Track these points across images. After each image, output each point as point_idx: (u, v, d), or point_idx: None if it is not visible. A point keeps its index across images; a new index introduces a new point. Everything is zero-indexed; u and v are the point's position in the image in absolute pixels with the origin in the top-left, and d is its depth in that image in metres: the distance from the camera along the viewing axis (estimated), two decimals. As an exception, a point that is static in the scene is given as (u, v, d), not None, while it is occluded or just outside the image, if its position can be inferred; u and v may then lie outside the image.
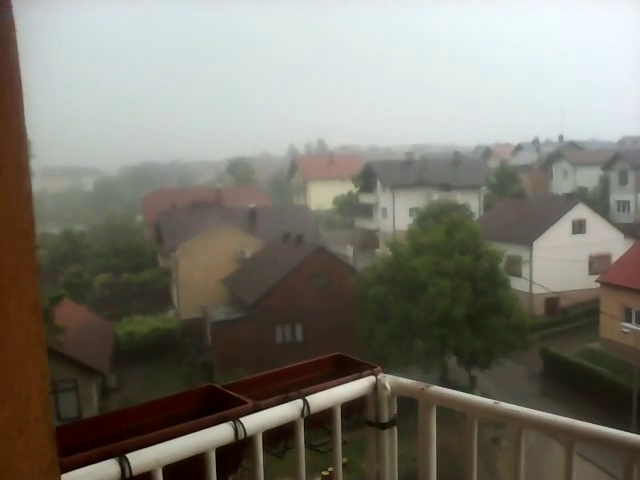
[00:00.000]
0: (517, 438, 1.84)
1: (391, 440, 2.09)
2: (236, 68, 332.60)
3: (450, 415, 2.01)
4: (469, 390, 28.86)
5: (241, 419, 1.71)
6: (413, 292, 28.98)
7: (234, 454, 1.77)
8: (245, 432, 1.70)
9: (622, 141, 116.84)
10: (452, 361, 31.17)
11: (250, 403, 1.81)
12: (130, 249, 50.27)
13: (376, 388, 2.06)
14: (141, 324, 38.79)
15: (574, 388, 30.30)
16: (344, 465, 2.06)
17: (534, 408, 1.80)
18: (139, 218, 76.38)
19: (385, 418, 2.07)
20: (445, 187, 63.42)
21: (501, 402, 1.88)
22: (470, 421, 1.94)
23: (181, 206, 54.30)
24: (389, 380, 2.08)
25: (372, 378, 2.08)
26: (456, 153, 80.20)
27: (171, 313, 43.40)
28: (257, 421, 1.75)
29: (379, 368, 2.13)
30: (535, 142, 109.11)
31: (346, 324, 32.03)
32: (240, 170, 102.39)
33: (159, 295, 46.75)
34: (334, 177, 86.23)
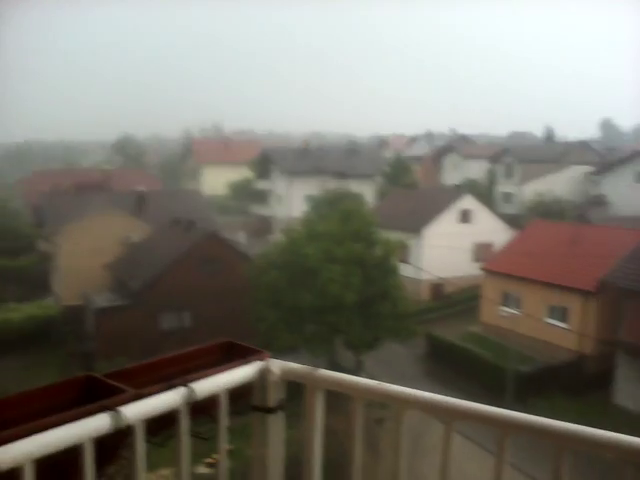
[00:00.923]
0: (399, 418, 1.92)
1: (278, 425, 2.11)
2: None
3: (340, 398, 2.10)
4: (356, 373, 29.85)
5: (120, 408, 1.68)
6: (306, 278, 29.47)
7: (113, 445, 1.74)
8: (124, 421, 1.67)
9: (511, 136, 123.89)
10: (341, 346, 32.09)
11: (130, 392, 1.79)
12: (6, 233, 47.52)
13: (263, 373, 2.07)
14: (17, 311, 36.92)
15: (456, 369, 32.17)
16: (230, 452, 2.09)
17: (417, 388, 1.90)
18: (19, 201, 72.22)
19: (272, 403, 2.08)
20: (341, 175, 64.68)
21: (385, 383, 1.94)
22: (356, 403, 1.98)
23: (65, 188, 51.97)
24: (277, 365, 2.09)
25: (259, 363, 2.09)
26: (352, 142, 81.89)
27: (50, 300, 41.55)
28: (137, 410, 1.72)
29: (267, 353, 2.15)
30: (428, 135, 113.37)
31: (238, 311, 32.11)
32: (130, 151, 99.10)
33: (38, 281, 44.60)
34: (230, 162, 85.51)
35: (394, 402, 1.90)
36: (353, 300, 28.47)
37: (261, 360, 2.11)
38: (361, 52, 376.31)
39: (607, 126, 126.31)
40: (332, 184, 60.45)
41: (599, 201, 59.75)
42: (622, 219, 48.81)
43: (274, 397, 2.08)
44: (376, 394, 1.94)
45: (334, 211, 34.73)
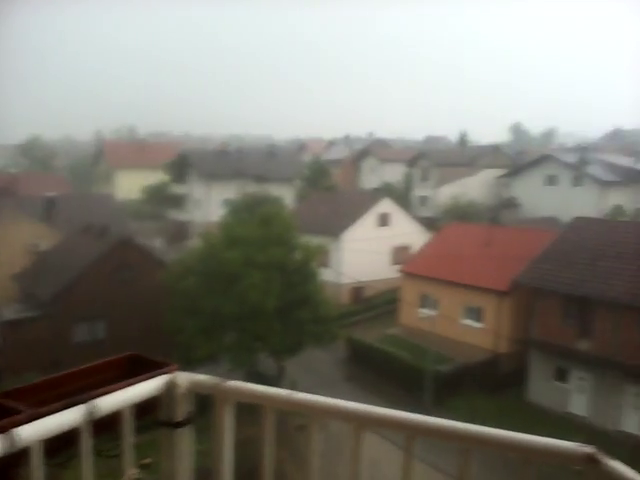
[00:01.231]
0: (311, 426, 1.92)
1: (186, 439, 2.07)
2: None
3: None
4: (278, 379, 29.78)
5: (15, 430, 1.62)
6: (225, 285, 29.09)
7: (8, 469, 1.67)
8: (19, 444, 1.60)
9: (426, 140, 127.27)
10: (263, 353, 31.90)
11: (26, 411, 1.72)
12: None
13: (170, 387, 2.03)
14: None
15: (376, 372, 32.68)
16: (147, 465, 2.05)
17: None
18: None
19: (179, 417, 2.04)
20: (260, 179, 64.40)
21: (296, 392, 1.95)
22: (267, 413, 1.97)
23: (-36, 193, 49.06)
24: (184, 377, 2.05)
25: (166, 377, 2.05)
26: (271, 145, 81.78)
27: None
28: (33, 431, 1.66)
29: (174, 366, 2.12)
30: (347, 138, 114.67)
31: (154, 319, 31.28)
32: (37, 153, 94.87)
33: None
34: (145, 165, 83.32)
35: (306, 411, 1.90)
36: (274, 306, 28.34)
37: (168, 373, 2.07)
38: (281, 53, 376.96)
39: (517, 130, 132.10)
40: (251, 187, 60.14)
41: (511, 203, 62.40)
42: (532, 220, 51.15)
43: (182, 411, 2.04)
44: (287, 403, 1.93)
45: (254, 215, 34.50)
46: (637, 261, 27.51)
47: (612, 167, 62.49)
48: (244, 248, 29.37)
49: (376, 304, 43.43)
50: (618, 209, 54.98)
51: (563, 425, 26.52)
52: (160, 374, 2.06)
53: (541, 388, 29.71)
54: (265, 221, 31.41)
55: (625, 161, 66.42)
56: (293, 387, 29.32)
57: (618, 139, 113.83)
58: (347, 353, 35.81)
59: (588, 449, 1.48)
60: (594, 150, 74.75)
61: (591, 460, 1.46)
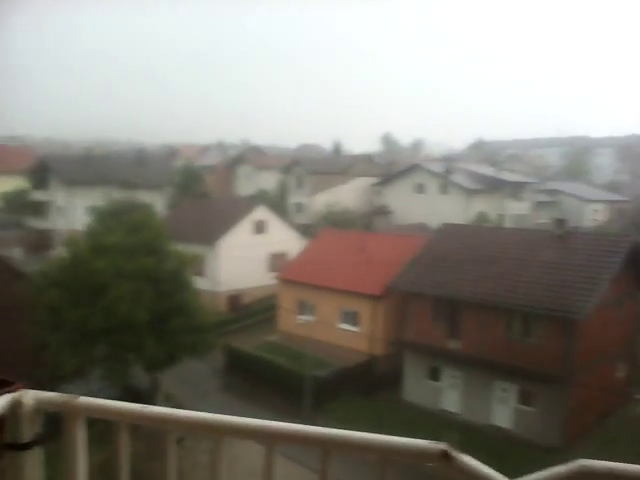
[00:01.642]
0: (165, 440, 1.89)
1: (34, 461, 1.96)
2: None
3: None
4: (152, 393, 28.83)
5: None
6: (93, 296, 27.71)
7: None
8: None
9: (300, 148, 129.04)
10: (136, 366, 30.75)
11: None
12: None
13: (14, 406, 1.92)
14: None
15: (255, 380, 32.54)
16: None
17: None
18: None
19: (25, 438, 1.93)
20: (128, 185, 62.22)
21: (150, 406, 1.90)
22: (120, 429, 1.93)
23: None
24: (30, 396, 1.95)
25: (9, 396, 1.94)
26: (141, 151, 79.34)
27: None
28: None
29: (20, 384, 2.00)
30: (220, 144, 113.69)
31: (13, 335, 29.16)
32: None
33: None
34: (1, 171, 77.82)
35: (160, 425, 1.87)
36: (145, 318, 27.39)
37: (12, 392, 1.94)
38: (150, 54, 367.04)
39: (387, 140, 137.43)
40: (119, 194, 57.93)
41: (383, 210, 64.75)
42: (404, 227, 53.33)
43: (28, 431, 1.93)
44: (140, 418, 1.88)
45: (122, 223, 33.20)
46: (500, 264, 29.47)
47: (476, 176, 66.69)
48: (112, 257, 28.17)
49: (254, 311, 43.34)
50: (482, 215, 58.72)
51: (437, 422, 27.81)
52: (3, 393, 1.93)
53: (416, 387, 30.98)
54: (134, 229, 30.33)
55: (487, 170, 71.12)
56: (168, 400, 28.50)
57: (480, 150, 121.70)
58: (225, 362, 35.38)
59: (441, 446, 1.53)
60: (459, 160, 79.45)
61: (444, 456, 1.51)
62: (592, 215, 71.58)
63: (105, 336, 27.60)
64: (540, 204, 71.12)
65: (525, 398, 27.66)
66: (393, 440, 1.60)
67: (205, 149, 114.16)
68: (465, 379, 29.61)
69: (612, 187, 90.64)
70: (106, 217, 44.21)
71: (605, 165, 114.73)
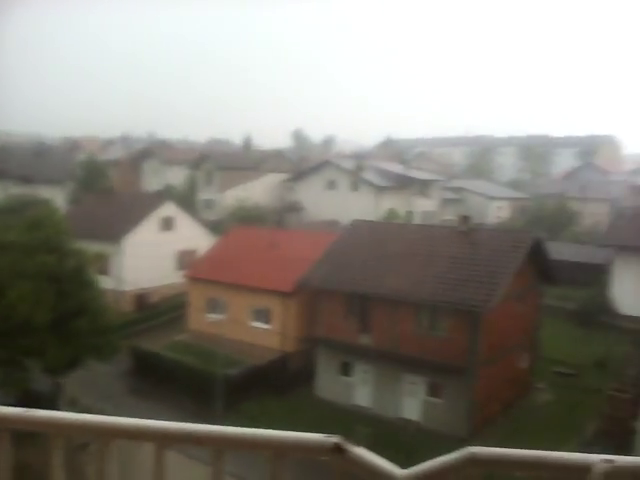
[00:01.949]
0: (50, 444, 1.83)
1: None
2: None
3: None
4: (54, 398, 27.74)
5: None
6: (-14, 297, 26.33)
7: None
8: None
9: (210, 143, 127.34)
10: (37, 370, 29.47)
11: None
12: None
13: None
14: None
15: (164, 381, 31.92)
16: None
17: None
18: None
19: None
20: (25, 180, 59.34)
21: (33, 410, 1.84)
22: (1, 435, 1.85)
23: None
24: None
25: None
26: (40, 144, 75.92)
27: None
28: None
29: None
30: (125, 138, 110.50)
31: None
32: None
33: None
34: None
35: (42, 429, 1.82)
36: (46, 319, 26.29)
37: None
38: (49, 46, 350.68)
39: (298, 136, 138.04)
40: (16, 189, 55.17)
41: (295, 207, 65.08)
42: (315, 223, 53.84)
43: None
44: (21, 422, 1.82)
45: (20, 219, 31.68)
46: (408, 259, 30.35)
47: (385, 173, 68.25)
48: (10, 256, 26.88)
49: (163, 310, 42.47)
50: (392, 212, 60.19)
51: (348, 417, 28.32)
52: None
53: (328, 384, 31.41)
54: (34, 225, 28.99)
55: (397, 168, 72.93)
56: (73, 405, 27.53)
57: (389, 148, 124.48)
58: (132, 364, 34.50)
59: (334, 439, 1.56)
60: (369, 157, 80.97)
61: (337, 450, 1.54)
62: (496, 212, 74.88)
63: (2, 339, 26.29)
64: (447, 201, 73.69)
65: (433, 390, 28.66)
66: (286, 435, 1.62)
67: (109, 143, 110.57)
68: (376, 374, 30.32)
69: (514, 185, 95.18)
70: (2, 213, 42.06)
71: (508, 164, 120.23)
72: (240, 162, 72.55)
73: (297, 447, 1.62)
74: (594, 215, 68.08)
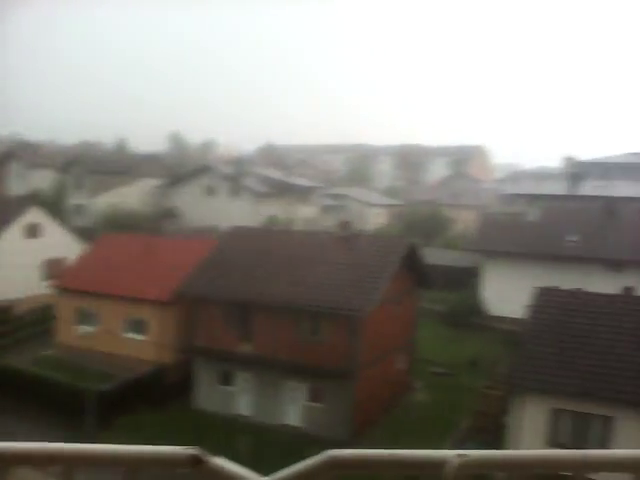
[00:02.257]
0: None
1: None
2: None
3: None
4: None
5: None
6: None
7: None
8: None
9: (80, 145, 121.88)
10: None
11: None
12: None
13: None
14: None
15: (30, 400, 29.98)
16: None
17: None
18: None
19: None
20: None
21: None
22: None
23: None
24: None
25: None
26: None
27: None
28: None
29: None
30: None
31: None
32: None
33: None
34: None
35: None
36: None
37: None
38: None
39: (176, 140, 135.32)
40: None
41: (172, 213, 63.67)
42: (194, 230, 52.96)
43: None
44: None
45: None
46: (289, 266, 30.53)
47: (266, 180, 68.47)
48: None
49: (28, 323, 39.91)
50: (273, 218, 60.42)
51: (229, 427, 28.01)
52: None
53: (208, 394, 30.89)
54: None
55: (277, 174, 73.36)
56: None
57: (270, 154, 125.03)
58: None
59: (193, 451, 1.53)
60: (250, 163, 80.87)
61: (196, 461, 1.52)
62: (374, 218, 77.19)
63: None
64: (327, 208, 75.05)
65: (314, 395, 28.98)
66: (140, 450, 1.56)
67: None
68: (257, 381, 30.22)
69: (391, 192, 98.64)
70: None
71: (384, 172, 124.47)
72: (113, 166, 69.94)
73: (153, 461, 1.56)
74: (466, 221, 71.89)
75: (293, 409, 29.38)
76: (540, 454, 1.63)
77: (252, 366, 29.96)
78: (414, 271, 32.96)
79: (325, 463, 1.54)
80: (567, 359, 23.00)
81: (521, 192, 67.19)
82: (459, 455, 1.52)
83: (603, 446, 21.25)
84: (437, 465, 1.52)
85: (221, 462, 1.53)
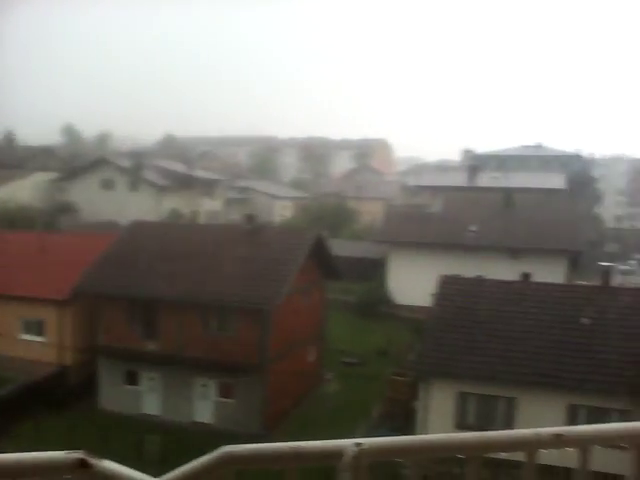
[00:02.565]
0: None
1: None
2: None
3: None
4: None
5: None
6: None
7: None
8: None
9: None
10: None
11: None
12: None
13: None
14: None
15: None
16: None
17: None
18: None
19: None
20: None
21: None
22: None
23: None
24: None
25: None
26: None
27: None
28: None
29: None
30: None
31: None
32: None
33: None
34: None
35: None
36: None
37: None
38: None
39: (70, 131, 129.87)
40: None
41: (67, 208, 61.12)
42: (92, 225, 51.19)
43: None
44: None
45: None
46: (194, 260, 30.09)
47: (168, 173, 67.02)
48: None
49: None
50: (175, 212, 59.28)
51: (136, 427, 27.35)
52: None
53: (113, 395, 30.03)
54: None
55: (180, 167, 71.95)
56: None
57: (171, 146, 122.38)
58: None
59: (77, 454, 1.48)
60: (150, 155, 78.88)
61: (82, 465, 1.47)
62: (280, 211, 77.34)
63: None
64: (232, 201, 74.45)
65: (225, 391, 28.83)
66: (20, 457, 1.48)
67: None
68: (165, 380, 29.69)
69: (296, 185, 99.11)
70: None
71: (290, 164, 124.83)
72: (1, 159, 66.36)
73: (36, 468, 1.49)
74: (371, 213, 73.32)
75: (203, 406, 29.10)
76: (437, 438, 1.69)
77: (159, 364, 29.40)
78: (322, 263, 33.35)
79: (220, 459, 1.52)
80: (471, 344, 24.05)
81: (424, 184, 69.36)
82: (356, 444, 1.54)
83: (508, 426, 22.39)
84: (335, 455, 1.54)
85: (108, 465, 1.48)
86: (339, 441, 1.57)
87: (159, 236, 32.76)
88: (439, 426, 23.16)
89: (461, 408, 23.78)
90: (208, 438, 26.47)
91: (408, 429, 24.08)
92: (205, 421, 28.78)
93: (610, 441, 1.78)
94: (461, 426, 23.18)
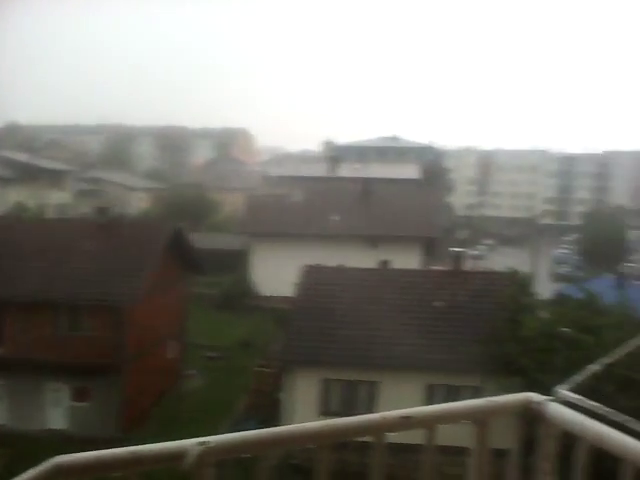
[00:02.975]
0: None
1: None
2: None
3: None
4: None
5: None
6: None
7: None
8: None
9: None
10: None
11: None
12: None
13: None
14: None
15: None
16: None
17: None
18: None
19: None
20: None
21: None
22: None
23: None
24: None
25: None
26: None
27: None
28: None
29: None
30: None
31: None
32: None
33: None
34: None
35: None
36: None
37: None
38: None
39: None
40: None
41: None
42: None
43: None
44: None
45: None
46: (42, 258, 28.40)
47: (10, 163, 62.73)
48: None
49: None
50: (20, 206, 55.63)
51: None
52: None
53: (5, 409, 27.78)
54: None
55: (23, 157, 67.56)
56: None
57: (13, 134, 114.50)
58: None
59: None
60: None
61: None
62: (136, 203, 74.88)
63: None
64: (83, 192, 71.07)
65: (79, 394, 27.61)
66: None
67: None
68: (11, 387, 27.86)
69: (153, 175, 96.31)
70: None
71: (145, 154, 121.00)
72: None
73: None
74: (233, 204, 72.90)
75: (56, 412, 27.65)
76: (286, 430, 1.72)
77: (4, 371, 27.48)
78: (182, 256, 32.70)
79: (49, 472, 1.45)
80: (332, 331, 24.61)
81: (285, 174, 69.90)
82: (200, 443, 1.53)
83: (371, 410, 23.17)
84: (177, 457, 1.52)
85: None
86: (182, 442, 1.54)
87: (1, 232, 30.61)
88: (304, 415, 23.49)
89: (325, 396, 24.29)
90: (59, 446, 25.18)
91: (275, 421, 24.25)
92: (58, 427, 27.33)
93: (453, 419, 1.88)
94: (325, 413, 23.65)
